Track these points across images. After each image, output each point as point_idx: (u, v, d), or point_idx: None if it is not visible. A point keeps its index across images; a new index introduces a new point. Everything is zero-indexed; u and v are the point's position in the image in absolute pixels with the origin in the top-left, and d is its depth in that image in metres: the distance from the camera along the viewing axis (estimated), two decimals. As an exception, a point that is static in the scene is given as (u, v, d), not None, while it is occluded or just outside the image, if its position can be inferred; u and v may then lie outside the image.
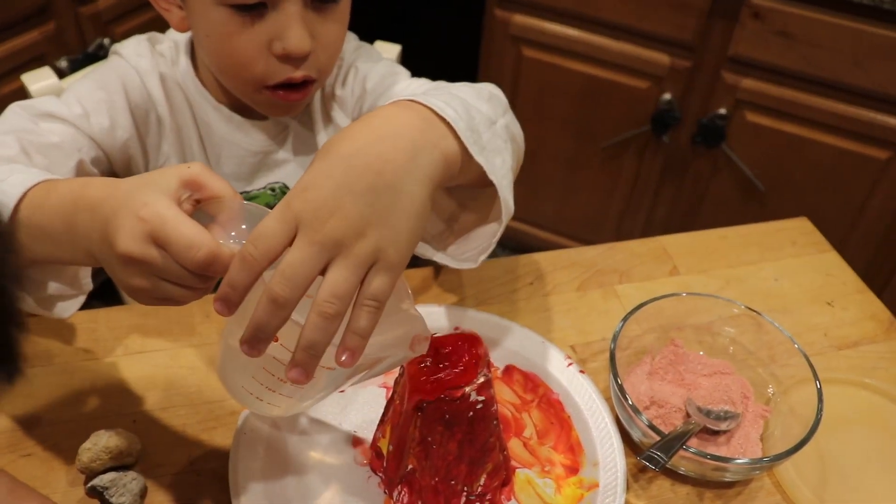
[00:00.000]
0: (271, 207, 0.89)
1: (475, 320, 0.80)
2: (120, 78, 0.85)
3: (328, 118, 0.94)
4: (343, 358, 0.50)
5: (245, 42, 0.77)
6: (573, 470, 0.71)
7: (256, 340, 0.50)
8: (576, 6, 1.67)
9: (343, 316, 0.50)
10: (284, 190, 0.94)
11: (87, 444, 0.68)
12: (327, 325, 0.49)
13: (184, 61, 0.88)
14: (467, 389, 0.59)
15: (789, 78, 1.56)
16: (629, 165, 1.85)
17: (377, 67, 0.92)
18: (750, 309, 0.78)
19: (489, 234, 0.71)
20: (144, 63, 0.86)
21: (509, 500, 0.68)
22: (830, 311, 0.88)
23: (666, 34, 1.62)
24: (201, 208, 0.55)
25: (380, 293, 0.51)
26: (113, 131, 0.83)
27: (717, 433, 0.73)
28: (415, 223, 0.53)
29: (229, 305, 0.51)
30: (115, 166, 0.86)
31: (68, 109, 0.80)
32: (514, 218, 2.28)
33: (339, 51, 0.84)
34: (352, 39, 0.97)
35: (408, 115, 0.57)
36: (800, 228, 0.98)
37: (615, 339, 0.73)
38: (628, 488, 0.70)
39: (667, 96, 1.70)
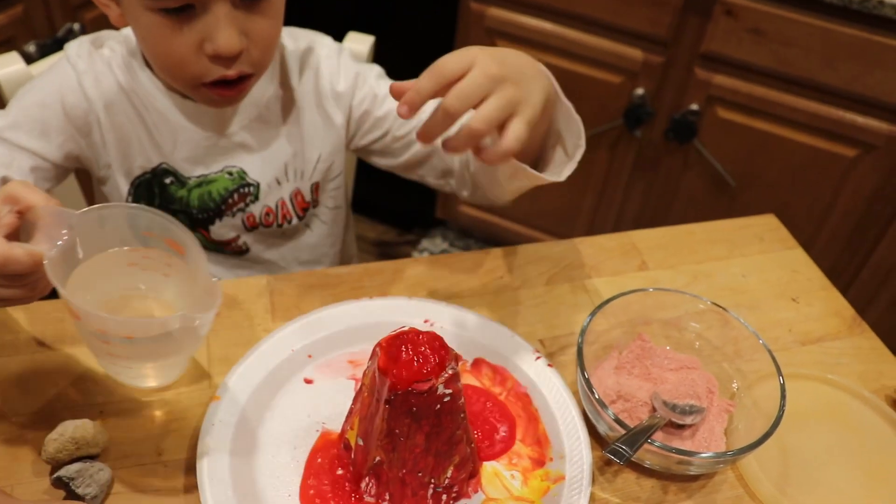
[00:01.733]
0: (230, 190, 0.94)
1: (445, 314, 0.80)
2: (58, 83, 0.88)
3: (278, 101, 0.95)
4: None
5: (177, 44, 0.78)
6: (540, 462, 0.71)
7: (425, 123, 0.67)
8: (550, 0, 1.67)
9: (485, 132, 0.65)
10: (242, 174, 0.95)
11: (52, 435, 0.67)
12: (463, 113, 0.65)
13: (136, 56, 0.90)
14: (435, 382, 0.60)
15: (761, 75, 1.58)
16: (601, 160, 1.86)
17: (371, 73, 1.00)
18: (716, 305, 0.79)
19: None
20: (82, 64, 0.89)
21: (476, 492, 0.69)
22: (795, 308, 0.89)
23: (640, 29, 1.63)
24: (26, 218, 0.62)
25: (519, 133, 0.66)
26: (47, 138, 0.87)
27: (682, 427, 0.74)
28: (540, 108, 0.71)
29: (412, 108, 0.64)
30: (61, 168, 0.90)
31: (3, 122, 0.86)
32: (489, 210, 2.28)
33: (274, 45, 0.85)
34: (329, 38, 0.99)
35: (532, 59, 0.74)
36: (767, 225, 0.99)
37: (583, 333, 0.73)
38: (594, 481, 0.71)
39: (639, 91, 1.70)
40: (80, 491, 0.65)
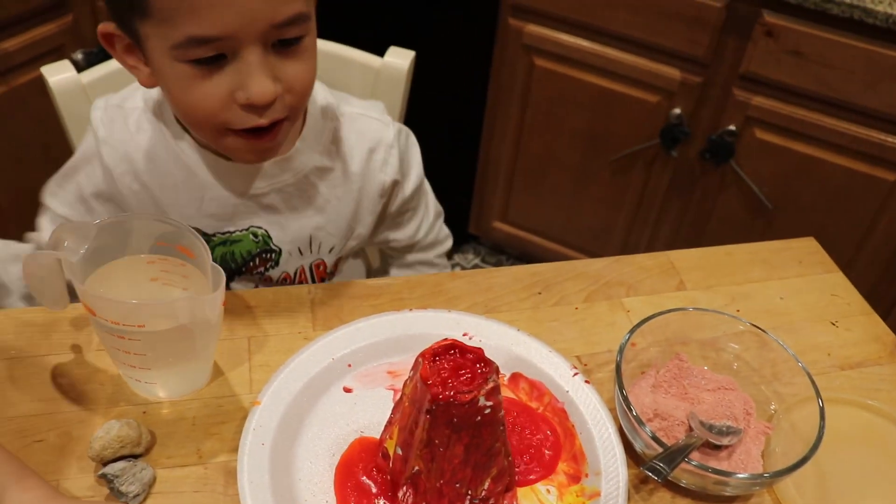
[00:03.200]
0: (252, 254, 0.95)
1: (483, 327, 0.81)
2: (83, 152, 0.91)
3: (320, 174, 0.94)
4: None
5: (208, 94, 0.75)
6: (575, 478, 0.72)
7: None
8: (589, 18, 1.68)
9: None
10: (267, 239, 0.94)
11: (99, 433, 0.69)
12: None
13: (167, 113, 0.89)
14: (476, 394, 0.60)
15: (800, 97, 1.57)
16: (637, 179, 1.86)
17: (412, 178, 1.02)
18: (754, 326, 0.79)
19: None
20: (103, 131, 0.89)
21: (512, 504, 0.70)
22: (834, 332, 0.89)
23: (678, 49, 1.63)
24: None
25: None
26: (78, 205, 0.92)
27: (718, 448, 0.74)
28: None
29: None
30: None
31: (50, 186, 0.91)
32: (522, 227, 2.30)
33: (308, 89, 0.82)
34: (390, 124, 0.98)
35: None
36: (806, 248, 0.99)
37: (621, 351, 0.74)
38: (629, 498, 0.71)
39: (676, 111, 1.71)
40: (123, 488, 0.67)
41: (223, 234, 0.93)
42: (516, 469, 0.71)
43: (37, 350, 0.79)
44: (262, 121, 0.78)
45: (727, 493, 0.71)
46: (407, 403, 0.65)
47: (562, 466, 0.72)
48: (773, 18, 1.50)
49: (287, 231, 0.95)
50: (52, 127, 1.18)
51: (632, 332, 0.76)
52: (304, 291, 0.87)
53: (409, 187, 1.02)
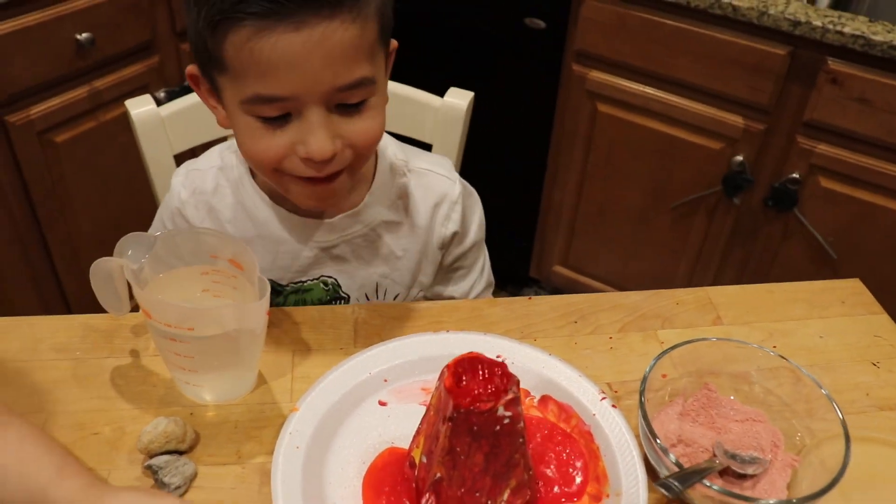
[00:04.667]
0: (323, 301, 1.00)
1: (516, 350, 0.84)
2: (166, 212, 0.98)
3: (388, 227, 0.98)
4: None
5: (271, 145, 0.80)
6: (596, 498, 0.73)
7: None
8: (652, 65, 1.71)
9: None
10: (336, 288, 0.99)
11: (148, 428, 0.74)
12: None
13: (242, 171, 0.95)
14: (496, 404, 0.63)
15: (865, 144, 1.56)
16: (698, 226, 1.86)
17: (471, 235, 1.04)
18: (785, 359, 0.79)
19: None
20: (185, 193, 0.96)
21: (532, 520, 0.71)
22: (875, 372, 0.88)
23: (741, 96, 1.64)
24: None
25: None
26: None
27: (743, 477, 0.74)
28: None
29: None
30: None
31: None
32: (582, 271, 2.30)
33: (371, 145, 0.85)
34: (457, 181, 1.02)
35: None
36: (851, 289, 0.99)
37: (647, 372, 0.75)
38: (650, 521, 0.72)
39: (739, 158, 1.71)
40: (166, 480, 0.71)
41: (296, 283, 0.98)
42: (541, 487, 0.73)
43: (99, 353, 0.85)
44: (320, 174, 0.82)
45: (749, 522, 0.71)
46: (432, 413, 0.68)
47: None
48: (837, 66, 1.51)
49: (355, 279, 0.99)
50: (134, 161, 1.26)
51: (659, 357, 0.77)
52: (347, 311, 0.91)
53: (467, 242, 1.05)
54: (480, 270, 1.10)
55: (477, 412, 0.63)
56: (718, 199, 1.79)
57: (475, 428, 0.64)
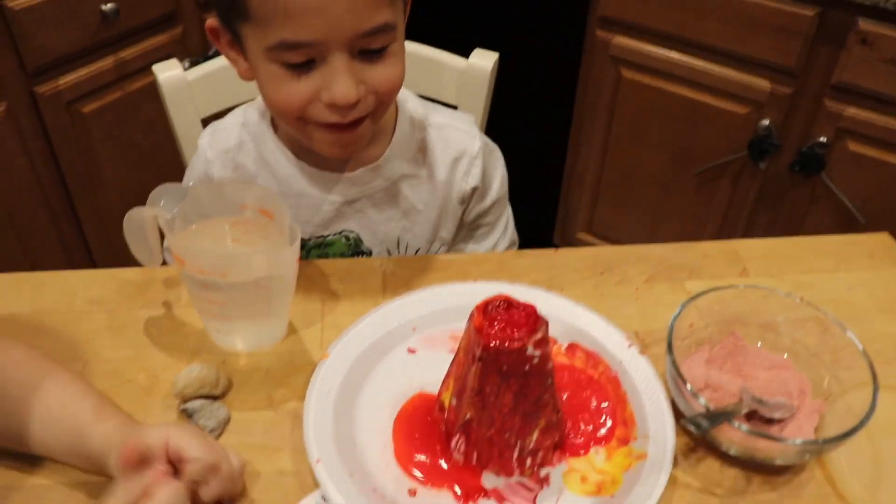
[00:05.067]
0: (345, 255, 1.01)
1: (544, 299, 0.84)
2: (193, 175, 1.00)
3: (408, 181, 0.99)
4: None
5: (295, 92, 0.81)
6: (624, 441, 0.74)
7: None
8: (677, 29, 1.70)
9: None
10: (358, 242, 1.00)
11: (182, 373, 0.76)
12: None
13: (264, 127, 0.96)
14: (525, 343, 0.64)
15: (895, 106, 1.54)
16: (724, 191, 1.85)
17: (493, 191, 1.05)
18: (813, 306, 0.79)
19: None
20: (210, 153, 0.97)
21: (560, 461, 0.72)
22: (904, 323, 0.88)
23: (768, 59, 1.63)
24: None
25: None
26: None
27: (770, 422, 0.75)
28: None
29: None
30: None
31: None
32: (607, 238, 2.30)
33: (393, 91, 0.86)
34: (477, 136, 1.02)
35: None
36: (880, 242, 0.98)
37: (675, 318, 0.75)
38: (676, 464, 0.72)
39: (765, 122, 1.69)
40: (200, 423, 0.73)
41: (317, 238, 0.99)
42: (570, 433, 0.74)
43: (132, 304, 0.87)
44: (344, 119, 0.83)
45: (777, 463, 0.71)
46: (461, 354, 0.69)
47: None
48: (868, 26, 1.48)
49: (376, 234, 1.00)
50: (161, 131, 1.28)
51: (687, 302, 0.77)
52: (376, 263, 0.92)
53: (488, 199, 1.06)
54: (504, 229, 1.11)
55: (506, 351, 0.64)
56: (744, 164, 1.78)
57: (504, 368, 0.65)
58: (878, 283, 0.93)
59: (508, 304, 0.67)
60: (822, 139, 1.65)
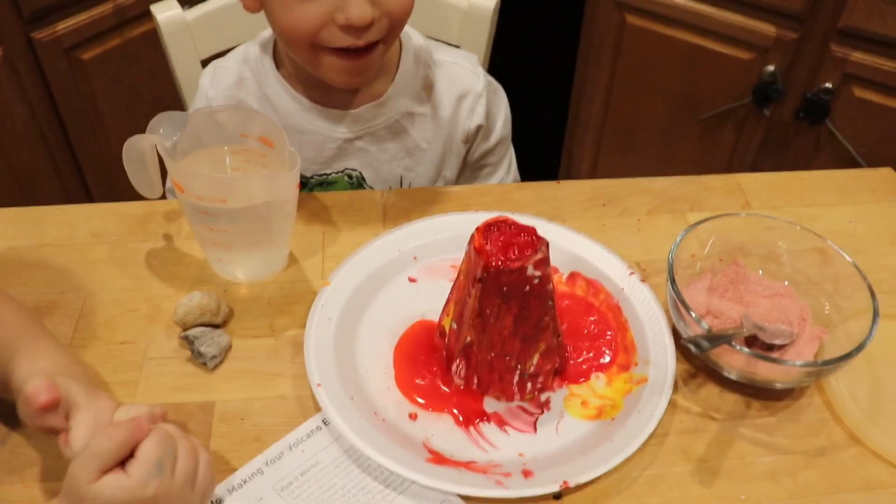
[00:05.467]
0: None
1: (545, 228, 0.84)
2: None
3: (411, 118, 0.98)
4: None
5: (308, 14, 0.80)
6: (625, 367, 0.74)
7: None
8: (682, -28, 1.67)
9: None
10: (361, 180, 0.99)
11: (183, 300, 0.76)
12: None
13: (266, 62, 0.95)
14: (525, 263, 0.63)
15: (903, 51, 1.52)
16: (727, 139, 1.84)
17: (497, 130, 1.04)
18: (814, 233, 0.79)
19: None
20: (212, 91, 0.97)
21: (561, 387, 0.73)
22: (905, 255, 0.88)
23: (773, 3, 1.60)
24: None
25: None
26: None
27: (770, 348, 0.75)
28: None
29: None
30: None
31: None
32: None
33: (406, 14, 0.85)
34: (481, 75, 1.01)
35: None
36: (882, 177, 0.98)
37: (677, 243, 0.75)
38: (677, 389, 0.73)
39: (770, 68, 1.67)
40: (202, 349, 0.73)
41: (320, 176, 0.99)
42: (571, 360, 0.74)
43: (134, 237, 0.87)
44: (359, 42, 0.82)
45: (777, 387, 0.71)
46: (462, 277, 0.69)
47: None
48: (875, -32, 1.46)
49: (379, 172, 1.00)
50: (162, 79, 1.26)
51: (689, 229, 0.77)
52: (377, 195, 0.92)
53: (493, 138, 1.05)
54: (507, 168, 1.10)
55: (507, 271, 0.64)
56: (748, 111, 1.76)
57: (505, 288, 0.65)
58: (880, 216, 0.92)
59: (509, 225, 0.66)
60: (828, 85, 1.63)
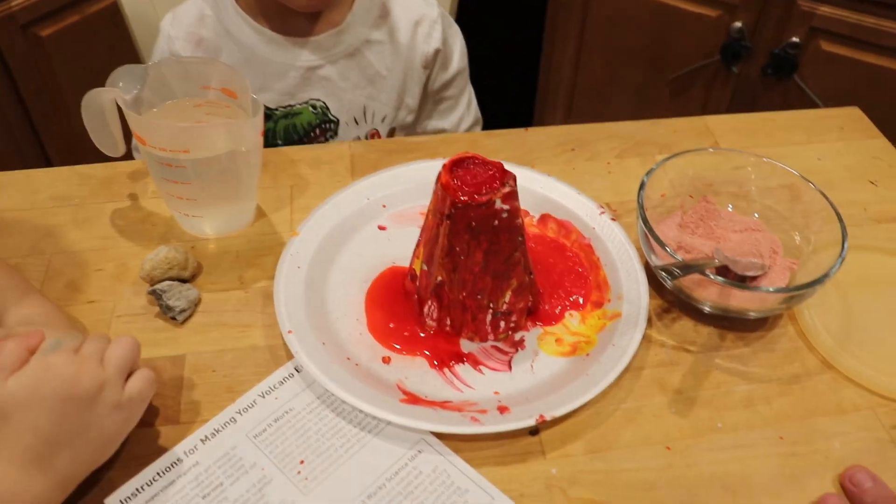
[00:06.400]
0: (313, 125, 1.02)
1: (515, 172, 0.83)
2: (157, 54, 1.02)
3: (371, 46, 1.01)
4: None
5: None
6: (598, 304, 0.74)
7: None
8: (647, -71, 1.66)
9: None
10: (325, 110, 1.01)
11: (149, 255, 0.75)
12: None
13: (227, 1, 0.97)
14: (493, 196, 0.63)
15: (870, 3, 1.51)
16: (697, 97, 1.84)
17: (454, 62, 1.06)
18: (784, 166, 0.78)
19: None
20: (173, 31, 0.98)
21: (535, 325, 0.72)
22: (873, 189, 0.88)
23: (739, -43, 1.60)
24: None
25: None
26: None
27: (743, 280, 0.75)
28: None
29: None
30: None
31: None
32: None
33: None
34: (434, 5, 1.04)
35: None
36: (850, 116, 0.98)
37: (646, 179, 0.75)
38: (651, 324, 0.73)
39: (738, 25, 1.67)
40: (170, 303, 0.72)
41: (285, 107, 1.00)
42: (544, 300, 0.74)
43: (98, 198, 0.85)
44: None
45: (750, 316, 0.72)
46: (430, 217, 0.68)
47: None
48: (840, -82, 1.46)
49: (343, 102, 1.02)
50: (123, 55, 1.23)
51: (660, 164, 0.77)
52: (344, 147, 0.91)
53: (452, 68, 1.07)
54: (467, 104, 1.12)
55: (474, 205, 0.63)
56: (717, 69, 1.76)
57: (473, 224, 0.64)
58: (848, 154, 0.93)
59: (476, 161, 0.66)
60: (795, 39, 1.63)
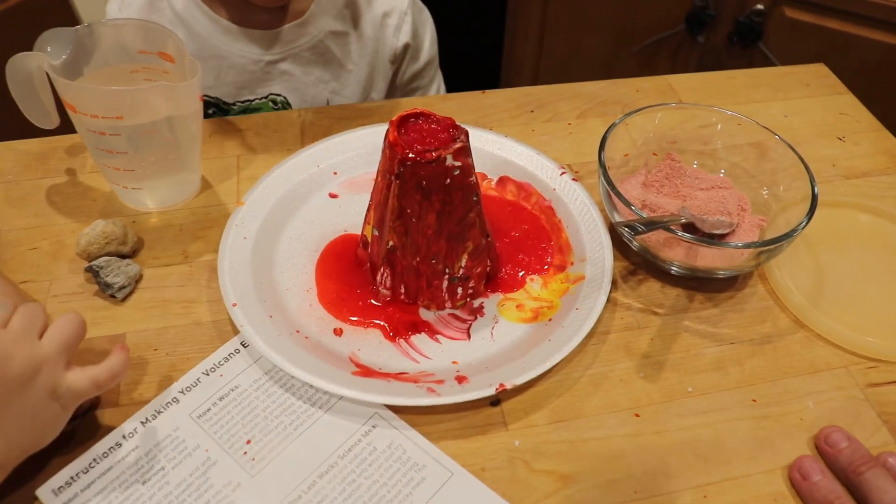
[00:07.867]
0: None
1: (473, 135, 0.80)
2: None
3: (335, 38, 0.94)
4: None
5: None
6: (561, 268, 0.70)
7: None
8: None
9: None
10: (286, 104, 0.94)
11: (86, 230, 0.70)
12: None
13: None
14: (443, 153, 0.59)
15: (833, -33, 1.50)
16: (663, 67, 1.81)
17: (424, 51, 1.01)
18: (750, 119, 0.75)
19: None
20: (120, 17, 0.90)
21: (494, 292, 0.69)
22: (841, 145, 0.86)
23: (701, -77, 1.57)
24: None
25: None
26: None
27: (711, 239, 0.72)
28: None
29: None
30: None
31: None
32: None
33: None
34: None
35: None
36: (815, 72, 0.95)
37: (608, 133, 0.71)
38: (617, 287, 0.70)
39: (702, -8, 1.65)
40: (109, 279, 0.68)
41: (243, 102, 0.94)
42: (504, 266, 0.71)
43: (32, 175, 0.81)
44: None
45: (719, 275, 0.69)
46: (379, 178, 0.65)
47: (547, 258, 0.71)
48: None
49: (305, 97, 0.95)
50: None
51: (622, 118, 0.73)
52: (294, 115, 0.86)
53: (422, 58, 1.02)
54: (437, 91, 1.07)
55: (424, 163, 0.59)
56: (682, 38, 1.74)
57: (424, 183, 0.60)
58: (815, 110, 0.90)
59: (426, 117, 0.62)
60: (759, 6, 1.61)
